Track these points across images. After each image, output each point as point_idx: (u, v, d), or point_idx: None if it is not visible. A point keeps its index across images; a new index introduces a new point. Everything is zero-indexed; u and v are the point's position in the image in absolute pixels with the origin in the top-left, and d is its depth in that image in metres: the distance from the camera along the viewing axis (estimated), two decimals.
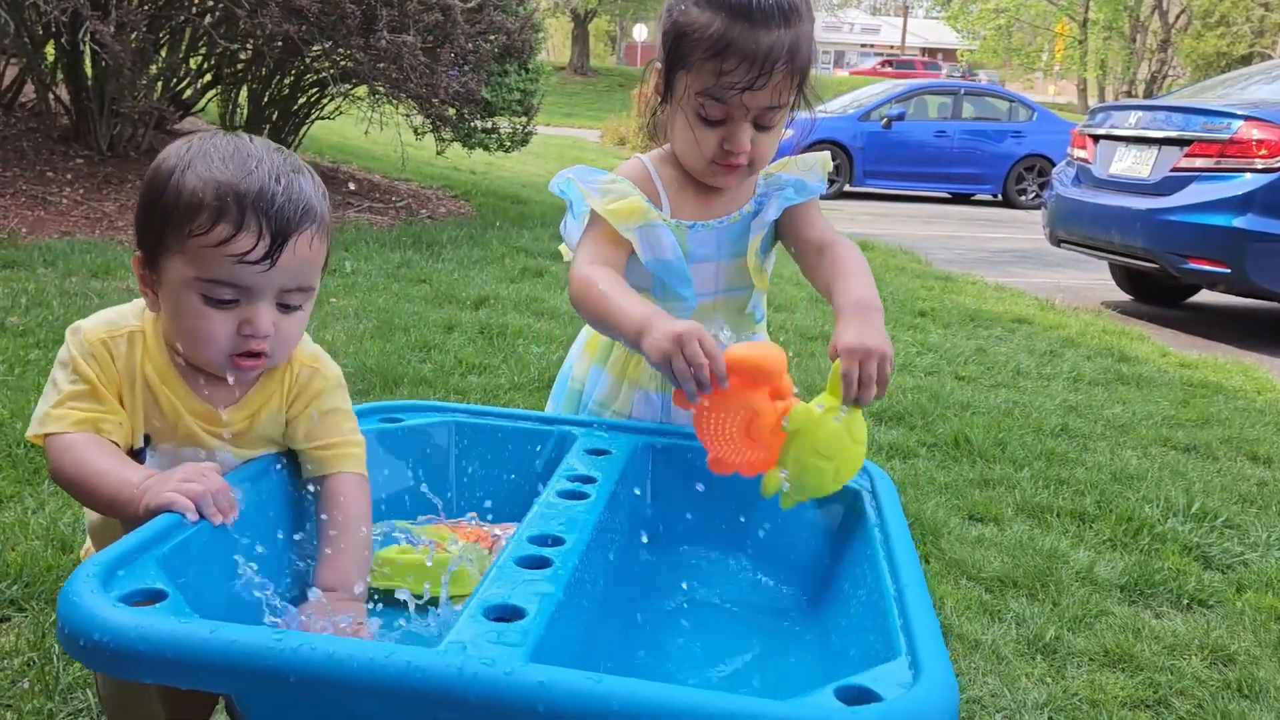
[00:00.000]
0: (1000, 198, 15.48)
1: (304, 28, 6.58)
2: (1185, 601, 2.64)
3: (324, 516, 1.27)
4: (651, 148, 1.65)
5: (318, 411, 1.31)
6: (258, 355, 1.20)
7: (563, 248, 1.75)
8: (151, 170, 1.20)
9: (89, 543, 1.40)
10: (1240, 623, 2.53)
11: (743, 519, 1.47)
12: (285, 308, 1.21)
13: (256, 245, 1.14)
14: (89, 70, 6.98)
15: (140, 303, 1.27)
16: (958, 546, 2.82)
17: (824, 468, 1.26)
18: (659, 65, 1.53)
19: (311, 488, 1.32)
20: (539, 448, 1.51)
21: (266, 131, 8.25)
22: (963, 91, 16.15)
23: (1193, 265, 6.24)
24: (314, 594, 1.20)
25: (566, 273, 1.61)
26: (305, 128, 8.68)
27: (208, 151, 1.17)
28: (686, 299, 1.57)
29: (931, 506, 3.07)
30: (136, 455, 1.24)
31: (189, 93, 8.04)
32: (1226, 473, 3.66)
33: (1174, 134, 6.51)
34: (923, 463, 3.51)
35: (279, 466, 1.32)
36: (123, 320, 1.25)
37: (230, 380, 1.25)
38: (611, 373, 1.65)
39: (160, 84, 7.31)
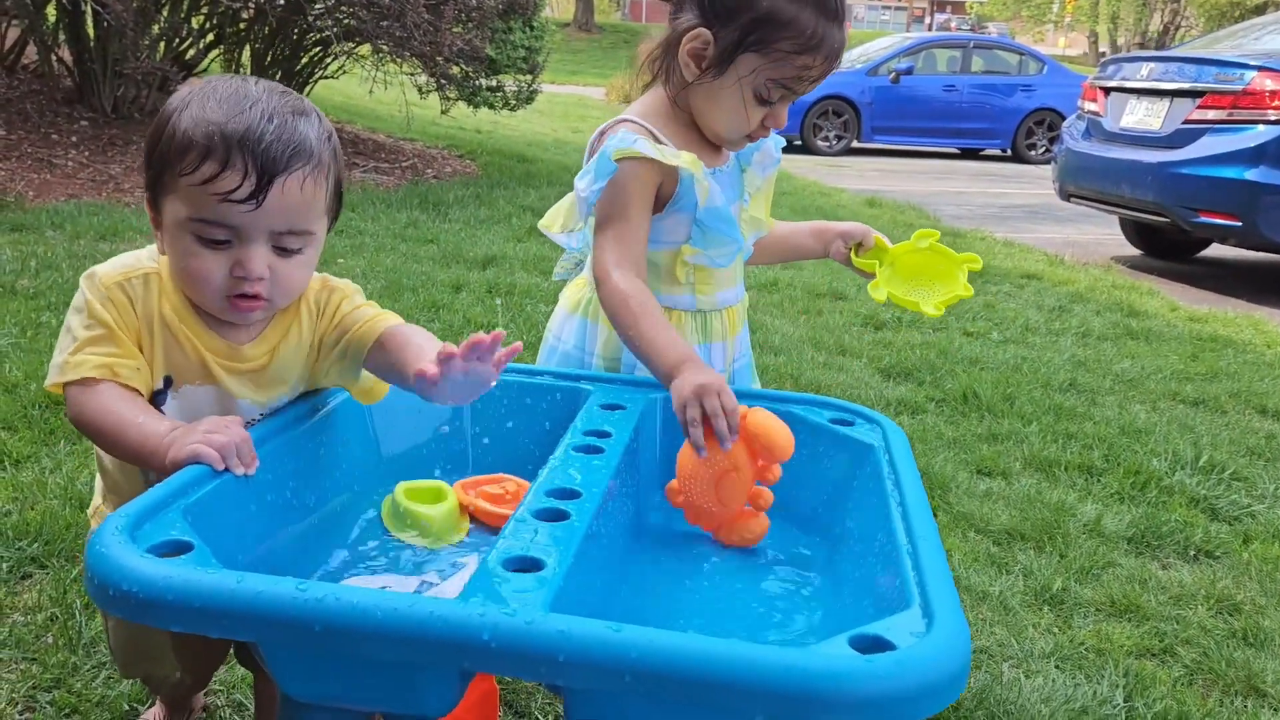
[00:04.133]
0: (1010, 152, 15.35)
1: None
2: (1192, 553, 2.66)
3: (393, 345, 1.25)
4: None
5: (344, 312, 1.32)
6: (254, 297, 1.20)
7: (548, 222, 1.72)
8: (158, 114, 1.21)
9: (98, 500, 1.41)
10: (1246, 573, 2.56)
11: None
12: (283, 251, 1.20)
13: (242, 184, 1.13)
14: (91, 31, 6.93)
15: (154, 246, 1.28)
16: (966, 500, 2.84)
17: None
18: (709, 33, 1.48)
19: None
20: (554, 403, 1.52)
21: None
22: (972, 45, 15.95)
23: (1204, 219, 6.20)
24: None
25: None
26: (309, 87, 8.62)
27: (208, 93, 1.17)
28: (736, 240, 1.61)
29: (940, 461, 3.09)
30: (156, 397, 1.25)
31: (191, 53, 7.98)
32: (1235, 426, 3.67)
33: (1186, 85, 6.44)
34: (931, 418, 3.52)
35: (302, 419, 1.33)
36: (138, 263, 1.25)
37: (230, 320, 1.25)
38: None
39: (163, 44, 7.27)
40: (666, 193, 1.55)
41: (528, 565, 0.99)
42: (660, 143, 1.55)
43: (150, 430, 1.15)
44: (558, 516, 1.10)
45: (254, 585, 0.88)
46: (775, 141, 1.69)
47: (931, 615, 0.94)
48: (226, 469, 1.11)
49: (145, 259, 1.26)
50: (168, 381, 1.26)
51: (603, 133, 1.60)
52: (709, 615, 1.20)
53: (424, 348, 1.21)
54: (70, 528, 2.24)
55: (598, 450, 1.28)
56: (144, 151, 1.22)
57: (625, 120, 1.59)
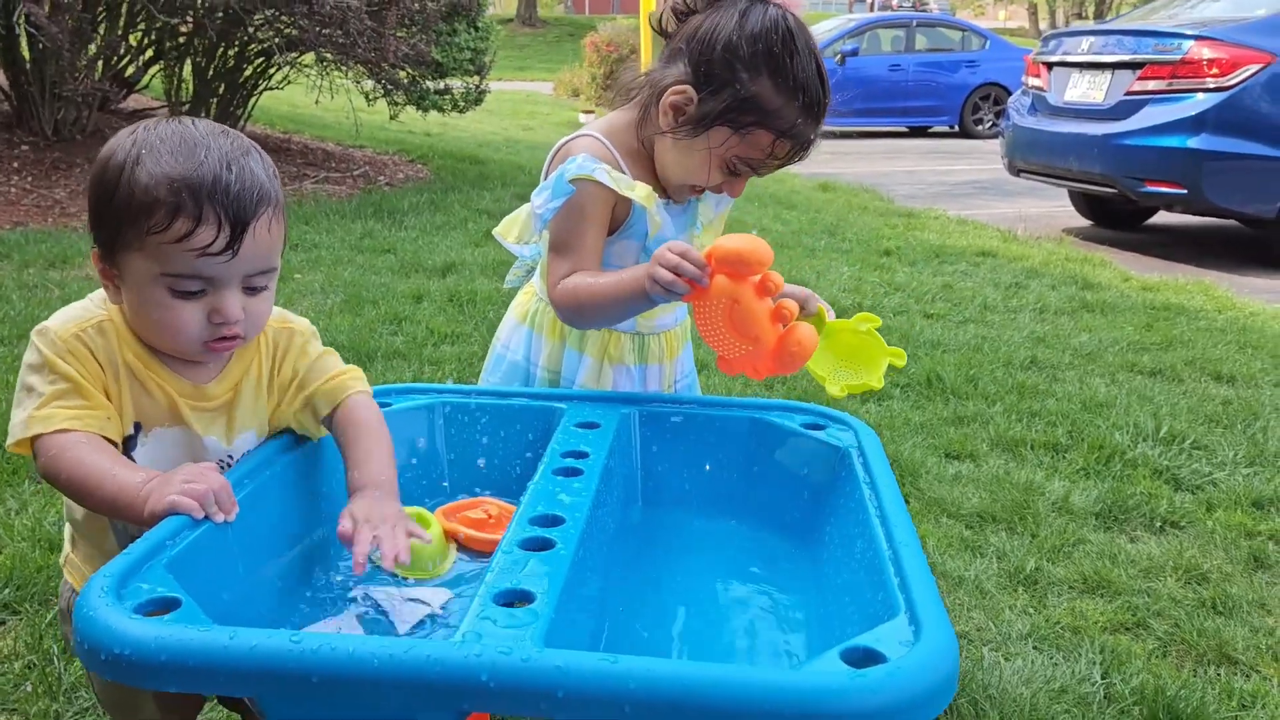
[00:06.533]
0: (957, 128, 15.52)
1: None
2: (1158, 524, 2.72)
3: (345, 435, 1.31)
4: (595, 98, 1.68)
5: (305, 364, 1.35)
6: (231, 338, 1.22)
7: (503, 230, 1.75)
8: (99, 166, 1.19)
9: (68, 548, 1.39)
10: (1212, 541, 2.62)
11: (733, 481, 1.50)
12: (252, 290, 1.21)
13: (217, 237, 1.14)
14: (26, 54, 6.80)
15: (99, 293, 1.27)
16: (936, 485, 2.88)
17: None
18: (693, 94, 1.49)
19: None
20: (528, 424, 1.53)
21: (214, 105, 8.09)
22: (915, 23, 16.12)
23: (1150, 188, 6.31)
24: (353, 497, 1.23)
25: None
26: (254, 99, 8.51)
27: (154, 144, 1.16)
28: None
29: (909, 447, 3.13)
30: (127, 443, 1.25)
31: (131, 70, 7.85)
32: (1192, 394, 3.75)
33: (1126, 57, 6.55)
34: (897, 404, 3.56)
35: (275, 458, 1.32)
36: (89, 313, 1.24)
37: (204, 363, 1.27)
38: (592, 355, 1.67)
39: (100, 63, 7.14)
40: (619, 216, 1.57)
41: (518, 599, 1.00)
42: (620, 164, 1.56)
43: (125, 482, 1.14)
44: (543, 545, 1.10)
45: (247, 640, 0.88)
46: None
47: (918, 622, 0.96)
48: (206, 517, 1.11)
49: (94, 308, 1.25)
50: (137, 427, 1.25)
51: (564, 146, 1.61)
52: (700, 633, 1.22)
53: (369, 455, 1.27)
54: (41, 570, 2.21)
55: (577, 472, 1.29)
56: (92, 207, 1.20)
57: (588, 135, 1.59)
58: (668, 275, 1.32)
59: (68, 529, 1.39)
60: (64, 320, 1.23)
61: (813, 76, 1.48)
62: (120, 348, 1.23)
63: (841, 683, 0.85)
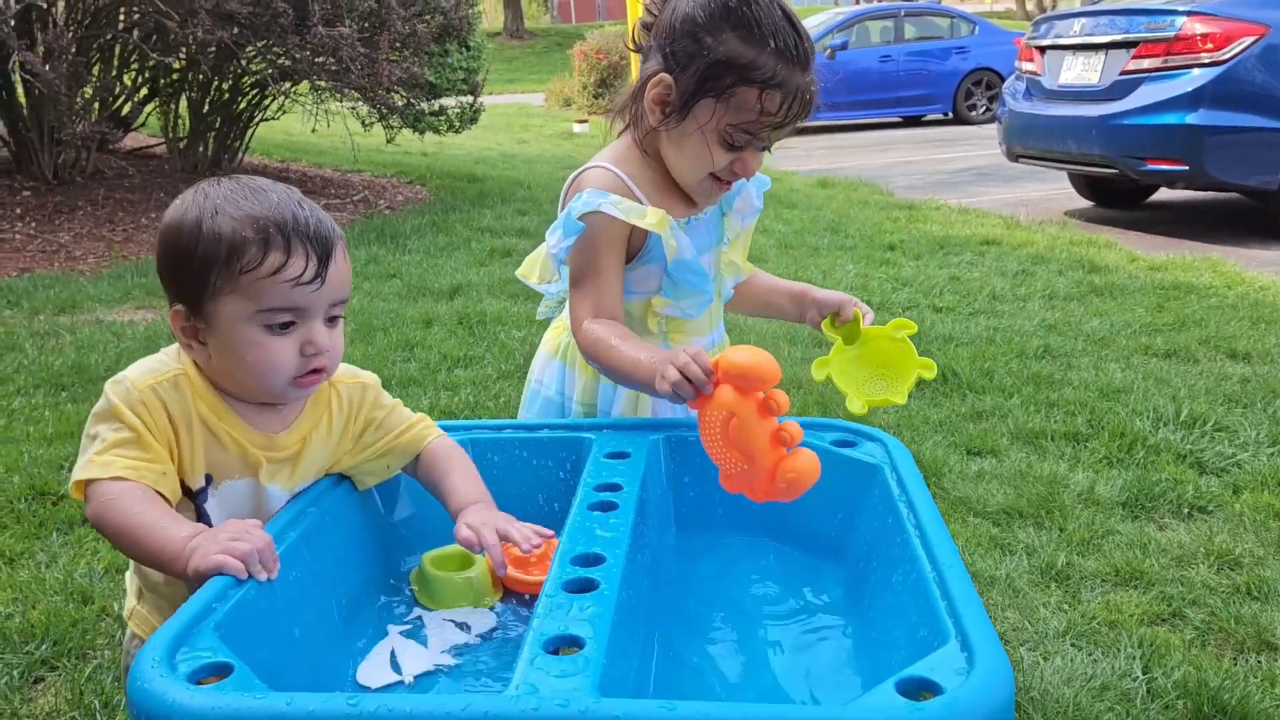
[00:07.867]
0: (951, 115, 15.51)
1: (236, 31, 6.46)
2: (1186, 510, 2.71)
3: (433, 473, 1.42)
4: (593, 108, 1.67)
5: (380, 416, 1.42)
6: (319, 370, 1.28)
7: (525, 271, 1.76)
8: (171, 229, 1.24)
9: (132, 600, 1.40)
10: (1241, 524, 2.61)
11: (765, 503, 1.50)
12: (331, 321, 1.28)
13: (307, 267, 1.22)
14: (22, 100, 6.83)
15: (173, 347, 1.31)
16: (960, 484, 2.88)
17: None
18: (670, 79, 1.48)
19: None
20: (560, 458, 1.53)
21: (211, 139, 8.13)
22: (903, 13, 16.12)
23: (1151, 166, 6.30)
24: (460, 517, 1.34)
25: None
26: (250, 130, 8.55)
27: (226, 195, 1.24)
28: (705, 292, 1.62)
29: (930, 446, 3.13)
30: (198, 495, 1.28)
31: (127, 109, 7.88)
32: (1208, 374, 3.74)
33: (1119, 37, 6.54)
34: (914, 402, 3.55)
35: (311, 505, 1.33)
36: (164, 366, 1.28)
37: (287, 403, 1.33)
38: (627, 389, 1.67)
39: (97, 105, 7.17)
40: (637, 243, 1.57)
41: (568, 644, 1.00)
42: (632, 190, 1.55)
43: (171, 536, 1.15)
44: (587, 587, 1.10)
45: (304, 705, 0.88)
46: (759, 186, 1.69)
47: (970, 649, 0.96)
48: (250, 576, 1.11)
49: (169, 361, 1.29)
50: (208, 479, 1.29)
51: (575, 180, 1.61)
52: (747, 663, 1.22)
53: (464, 480, 1.40)
54: (76, 624, 2.21)
55: (612, 506, 1.29)
56: (170, 266, 1.25)
57: (597, 167, 1.59)
58: (675, 375, 1.29)
59: (131, 581, 1.40)
60: (140, 372, 1.27)
61: (779, 20, 1.44)
62: (195, 401, 1.27)
63: (901, 717, 0.85)
